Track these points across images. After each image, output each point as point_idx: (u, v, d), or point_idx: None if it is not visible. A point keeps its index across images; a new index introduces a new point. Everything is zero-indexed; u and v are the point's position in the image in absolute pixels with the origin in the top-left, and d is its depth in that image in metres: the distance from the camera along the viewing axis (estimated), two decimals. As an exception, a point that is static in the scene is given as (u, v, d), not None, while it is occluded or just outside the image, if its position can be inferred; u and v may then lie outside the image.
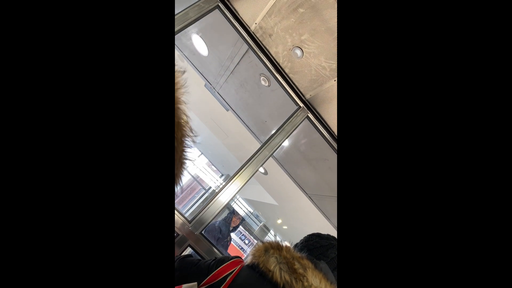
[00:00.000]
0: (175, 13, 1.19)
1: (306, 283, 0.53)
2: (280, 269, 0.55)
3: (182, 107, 0.48)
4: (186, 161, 0.55)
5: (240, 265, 0.63)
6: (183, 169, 0.55)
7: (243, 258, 0.69)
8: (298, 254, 0.60)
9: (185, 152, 0.53)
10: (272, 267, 0.56)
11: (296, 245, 0.74)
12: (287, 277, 0.54)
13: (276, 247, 0.60)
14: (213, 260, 0.67)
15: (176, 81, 0.44)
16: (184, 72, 0.48)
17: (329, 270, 0.63)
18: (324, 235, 0.74)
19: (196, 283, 0.62)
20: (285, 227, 6.21)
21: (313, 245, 0.70)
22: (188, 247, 1.10)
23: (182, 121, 0.49)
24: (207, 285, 0.61)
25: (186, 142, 0.52)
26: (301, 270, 0.55)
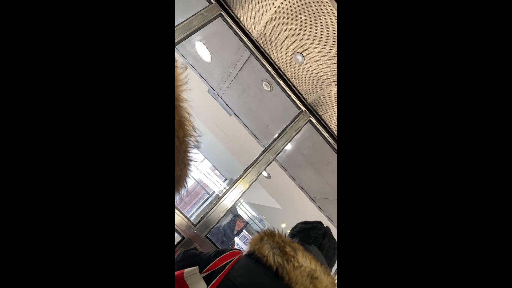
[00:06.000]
0: (179, 22, 1.23)
1: (296, 264, 0.58)
2: (274, 253, 0.60)
3: (184, 105, 0.45)
4: (191, 163, 0.52)
5: (239, 255, 0.68)
6: (188, 170, 0.52)
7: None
8: (289, 239, 0.65)
9: (189, 152, 0.50)
10: (266, 253, 0.61)
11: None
12: (280, 260, 0.58)
13: (269, 234, 0.65)
14: (214, 252, 0.72)
15: (177, 78, 0.42)
16: (186, 68, 0.46)
17: (319, 253, 0.69)
18: (309, 221, 0.81)
19: (197, 267, 0.66)
20: (289, 231, 6.16)
21: (297, 230, 0.79)
22: (193, 250, 1.12)
23: (184, 119, 0.46)
24: (208, 272, 0.65)
25: (190, 142, 0.49)
26: (292, 253, 0.59)
